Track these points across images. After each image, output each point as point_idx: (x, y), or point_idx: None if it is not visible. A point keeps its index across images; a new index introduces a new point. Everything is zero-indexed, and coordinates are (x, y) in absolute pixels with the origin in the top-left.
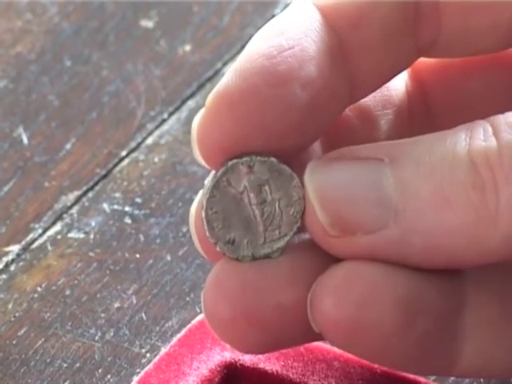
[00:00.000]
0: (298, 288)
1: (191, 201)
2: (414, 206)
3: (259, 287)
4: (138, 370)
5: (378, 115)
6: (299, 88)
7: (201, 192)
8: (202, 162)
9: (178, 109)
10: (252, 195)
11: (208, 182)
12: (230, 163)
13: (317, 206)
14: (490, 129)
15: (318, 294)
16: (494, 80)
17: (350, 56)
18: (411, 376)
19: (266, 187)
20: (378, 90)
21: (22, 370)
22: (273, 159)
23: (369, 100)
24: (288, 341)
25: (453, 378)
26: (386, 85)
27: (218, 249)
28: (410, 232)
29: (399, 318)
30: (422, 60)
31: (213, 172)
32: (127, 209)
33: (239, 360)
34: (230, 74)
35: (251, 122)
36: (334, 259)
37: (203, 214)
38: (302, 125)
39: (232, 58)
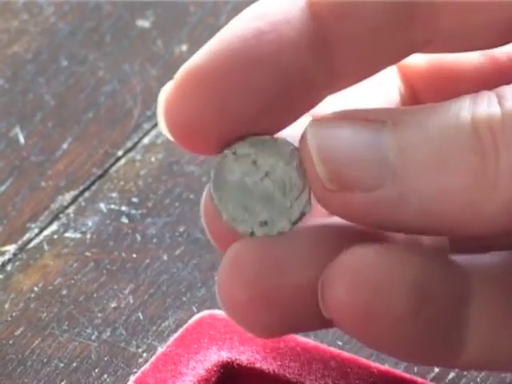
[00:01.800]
0: (316, 268)
1: (188, 200)
2: (412, 168)
3: (277, 267)
4: (134, 370)
5: None
6: (271, 72)
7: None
8: (168, 135)
9: None
10: (252, 174)
11: (210, 186)
12: (218, 160)
13: (316, 160)
14: (494, 98)
15: (330, 279)
16: (487, 83)
17: (333, 46)
18: (408, 376)
19: (260, 160)
20: (371, 99)
21: (19, 370)
22: (250, 136)
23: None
24: (304, 323)
25: (450, 378)
26: (380, 94)
27: (258, 236)
28: (406, 193)
29: (410, 302)
30: (414, 66)
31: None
32: (124, 208)
33: (236, 360)
34: (203, 52)
35: (217, 103)
36: (349, 241)
37: (224, 217)
38: (271, 110)
39: None
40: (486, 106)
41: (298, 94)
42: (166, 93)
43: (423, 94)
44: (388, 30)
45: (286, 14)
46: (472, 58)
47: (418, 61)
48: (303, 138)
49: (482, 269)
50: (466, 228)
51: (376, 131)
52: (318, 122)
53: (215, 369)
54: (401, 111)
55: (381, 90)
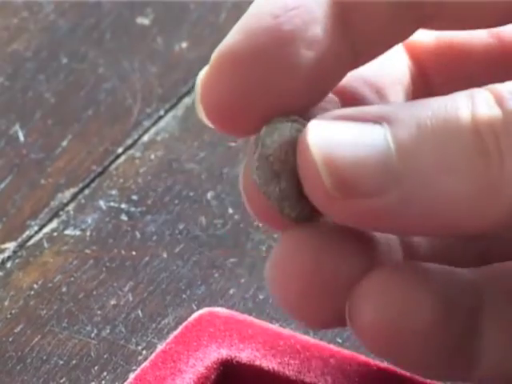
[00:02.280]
0: (367, 259)
1: (188, 198)
2: (415, 171)
3: (332, 257)
4: (134, 368)
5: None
6: (304, 48)
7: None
8: (205, 120)
9: (174, 106)
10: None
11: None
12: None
13: (321, 166)
14: (492, 97)
15: (357, 300)
16: (494, 63)
17: (354, 24)
18: (407, 374)
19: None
20: (383, 78)
21: (19, 367)
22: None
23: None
24: None
25: None
26: (389, 73)
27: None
28: (410, 197)
29: (438, 318)
30: (423, 44)
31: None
32: (123, 206)
33: (235, 357)
34: (235, 32)
35: (254, 81)
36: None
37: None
38: (305, 86)
39: None
40: (485, 106)
41: (327, 69)
42: (202, 77)
43: (432, 71)
44: (400, 4)
45: None
46: (481, 38)
47: (427, 39)
48: (303, 143)
49: (493, 280)
50: (469, 229)
51: (376, 133)
52: (317, 126)
53: (215, 366)
54: (395, 109)
55: (392, 69)
